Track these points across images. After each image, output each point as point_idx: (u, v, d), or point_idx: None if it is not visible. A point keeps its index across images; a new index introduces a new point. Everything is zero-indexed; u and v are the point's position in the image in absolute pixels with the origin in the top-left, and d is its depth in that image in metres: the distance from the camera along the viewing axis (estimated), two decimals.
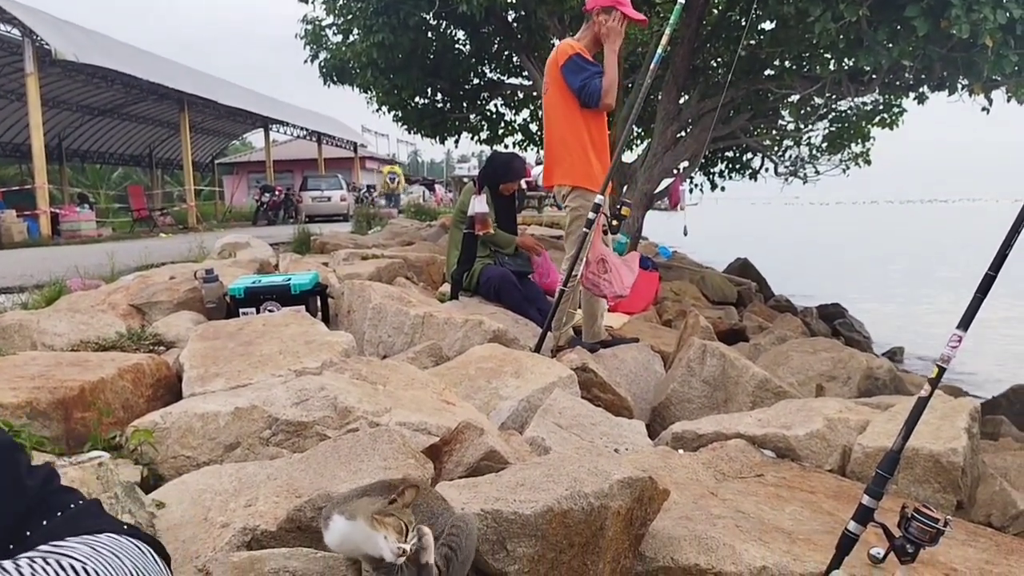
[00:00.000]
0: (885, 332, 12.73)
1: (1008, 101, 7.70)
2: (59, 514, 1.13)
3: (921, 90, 9.07)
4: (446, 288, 5.87)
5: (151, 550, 1.18)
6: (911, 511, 1.76)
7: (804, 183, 12.70)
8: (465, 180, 19.00)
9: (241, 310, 4.50)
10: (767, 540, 2.04)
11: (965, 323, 1.83)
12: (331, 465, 2.06)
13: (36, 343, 3.77)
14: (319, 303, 4.79)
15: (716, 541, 1.98)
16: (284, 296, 4.57)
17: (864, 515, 1.82)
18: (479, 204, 5.23)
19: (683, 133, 10.15)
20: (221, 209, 29.40)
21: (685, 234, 7.83)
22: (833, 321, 11.08)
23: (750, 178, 13.33)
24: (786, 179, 12.80)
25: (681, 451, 2.87)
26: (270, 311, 4.44)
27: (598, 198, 4.15)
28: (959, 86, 8.03)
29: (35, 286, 6.06)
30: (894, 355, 10.48)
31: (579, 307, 4.76)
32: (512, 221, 5.75)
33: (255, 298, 4.55)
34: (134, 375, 2.99)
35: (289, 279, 4.74)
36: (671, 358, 4.50)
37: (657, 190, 10.04)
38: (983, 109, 8.00)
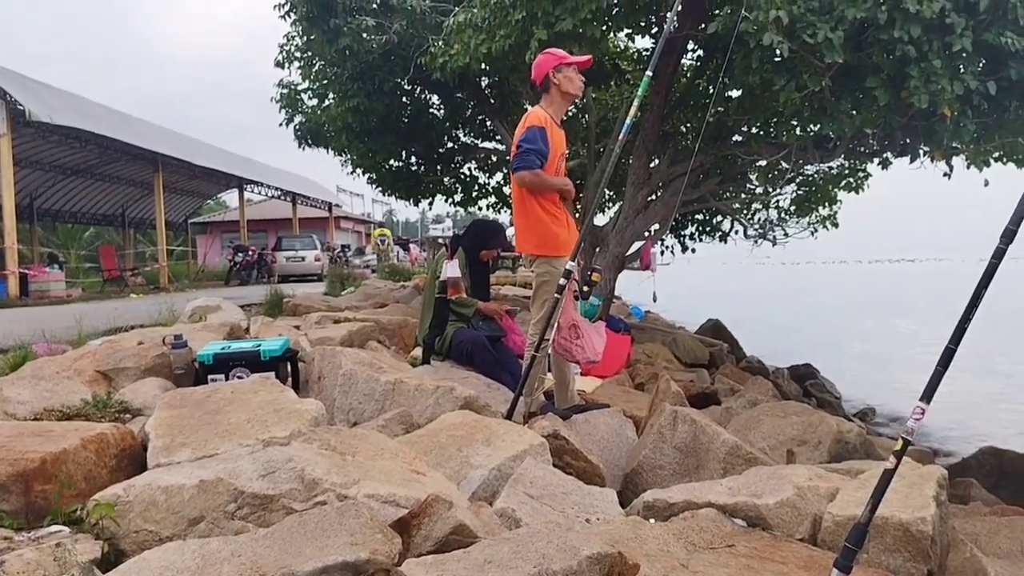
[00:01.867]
0: (856, 391, 12.86)
1: (968, 168, 7.90)
2: None
3: (884, 156, 9.30)
4: (418, 352, 5.86)
5: None
6: None
7: (773, 245, 12.87)
8: (440, 241, 19.11)
9: (210, 376, 4.45)
10: None
11: (927, 396, 1.86)
12: (297, 541, 2.03)
13: None
14: (289, 369, 4.76)
15: None
16: (254, 362, 4.54)
17: None
18: (451, 269, 5.26)
19: (653, 197, 10.30)
20: (194, 269, 29.27)
21: (655, 300, 7.92)
22: (804, 382, 11.16)
23: (720, 240, 13.49)
24: (755, 241, 12.96)
25: (652, 521, 2.86)
26: (239, 378, 4.39)
27: (569, 264, 4.17)
28: (920, 152, 8.25)
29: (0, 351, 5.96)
30: (865, 416, 10.56)
31: (549, 371, 4.75)
32: (486, 286, 5.78)
33: (224, 364, 4.52)
34: (97, 445, 2.93)
35: (259, 345, 4.71)
36: (643, 423, 4.50)
37: (629, 252, 10.15)
38: (944, 175, 8.20)
